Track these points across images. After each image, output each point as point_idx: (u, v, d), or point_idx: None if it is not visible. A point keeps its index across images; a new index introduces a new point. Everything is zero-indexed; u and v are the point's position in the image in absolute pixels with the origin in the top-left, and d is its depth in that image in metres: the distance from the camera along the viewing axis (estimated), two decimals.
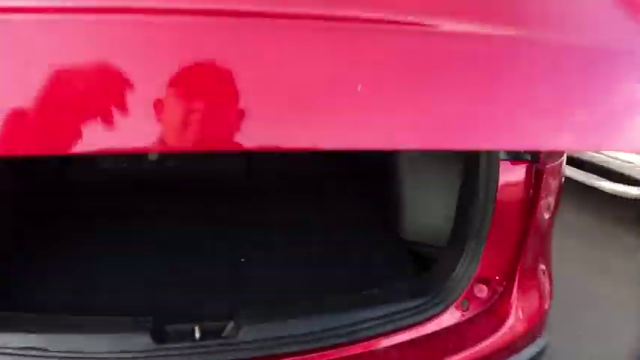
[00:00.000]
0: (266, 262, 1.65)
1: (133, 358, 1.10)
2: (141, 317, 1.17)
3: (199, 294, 1.46)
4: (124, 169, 2.24)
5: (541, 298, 1.40)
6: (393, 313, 1.25)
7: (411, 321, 1.24)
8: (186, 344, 1.14)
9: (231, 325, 1.19)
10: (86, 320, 1.18)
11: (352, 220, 1.99)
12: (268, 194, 2.22)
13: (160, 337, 1.14)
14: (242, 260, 1.66)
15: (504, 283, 1.34)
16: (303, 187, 2.29)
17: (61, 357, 1.09)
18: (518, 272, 1.34)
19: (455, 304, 1.30)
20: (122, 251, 1.67)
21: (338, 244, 1.78)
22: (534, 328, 1.37)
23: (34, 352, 1.09)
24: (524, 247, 1.32)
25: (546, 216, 1.35)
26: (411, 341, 1.24)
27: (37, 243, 1.70)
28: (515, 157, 1.27)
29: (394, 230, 1.84)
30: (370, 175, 2.26)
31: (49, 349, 1.09)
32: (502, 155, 1.27)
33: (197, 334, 1.16)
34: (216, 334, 1.18)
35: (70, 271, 1.56)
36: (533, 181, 1.28)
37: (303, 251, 1.73)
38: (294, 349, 1.16)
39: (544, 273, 1.44)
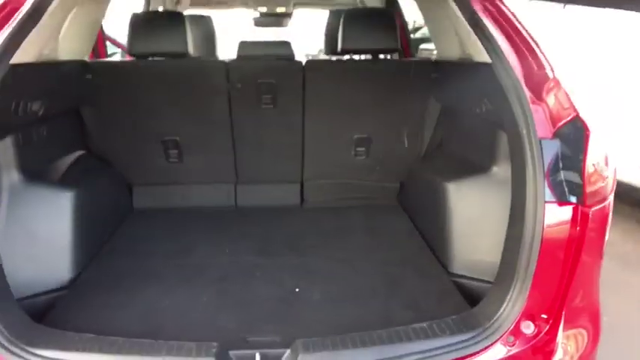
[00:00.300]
0: (319, 293, 1.76)
1: None
2: (206, 343, 1.30)
3: (257, 322, 1.59)
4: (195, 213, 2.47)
5: (588, 337, 1.42)
6: (441, 347, 1.31)
7: (457, 354, 1.30)
8: None
9: (288, 352, 1.29)
10: (159, 344, 1.31)
11: (402, 253, 2.07)
12: (321, 227, 2.35)
13: None
14: (296, 290, 1.77)
15: (551, 320, 1.38)
16: (354, 220, 2.41)
17: None
18: (564, 311, 1.37)
19: (501, 339, 1.34)
20: (186, 283, 1.84)
21: (388, 277, 1.87)
22: None
23: None
24: (570, 286, 1.36)
25: (593, 256, 1.39)
26: None
27: (118, 279, 1.89)
28: (561, 199, 1.33)
29: (443, 264, 1.91)
30: (420, 210, 2.34)
31: None
32: (548, 197, 1.32)
33: None
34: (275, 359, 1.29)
35: (148, 300, 1.74)
36: (579, 223, 1.32)
37: (355, 283, 1.83)
38: None
39: (591, 312, 1.46)
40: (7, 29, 1.47)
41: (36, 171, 1.86)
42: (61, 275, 1.80)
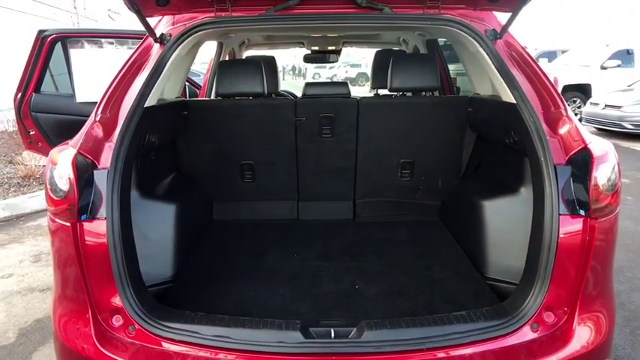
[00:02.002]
0: (374, 289, 2.14)
1: (288, 347, 1.61)
2: (292, 321, 1.69)
3: (326, 309, 1.98)
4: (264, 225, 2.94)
5: (602, 325, 1.72)
6: (476, 329, 1.65)
7: (490, 335, 1.64)
8: (325, 340, 1.64)
9: (355, 330, 1.67)
10: (256, 321, 1.71)
11: (443, 260, 2.43)
12: (371, 238, 2.74)
13: (306, 334, 1.64)
14: (356, 287, 2.16)
15: (568, 311, 1.69)
16: (400, 233, 2.79)
17: (239, 343, 1.62)
18: (579, 303, 1.69)
19: (527, 325, 1.66)
20: (264, 280, 2.27)
21: (431, 279, 2.23)
22: (597, 350, 1.69)
23: (222, 339, 1.63)
24: (583, 283, 1.68)
25: (603, 257, 1.71)
26: (492, 351, 1.63)
27: (210, 276, 2.34)
28: (572, 213, 1.66)
29: (479, 269, 2.25)
30: (459, 224, 2.71)
31: (231, 337, 1.63)
32: (562, 211, 1.66)
33: (332, 335, 1.66)
34: (346, 335, 1.66)
35: (236, 291, 2.17)
36: (588, 232, 1.65)
37: (403, 283, 2.20)
38: (400, 349, 1.61)
39: (604, 304, 1.76)
40: (140, 80, 1.98)
41: (147, 188, 2.34)
42: (166, 271, 2.25)
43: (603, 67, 11.78)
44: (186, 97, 3.54)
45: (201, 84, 4.40)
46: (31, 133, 3.66)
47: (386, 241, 2.71)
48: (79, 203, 1.67)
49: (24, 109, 3.54)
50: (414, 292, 2.11)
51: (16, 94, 3.58)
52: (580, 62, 12.26)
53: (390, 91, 2.82)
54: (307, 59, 4.96)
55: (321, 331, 1.69)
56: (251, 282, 2.24)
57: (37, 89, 3.57)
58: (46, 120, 3.60)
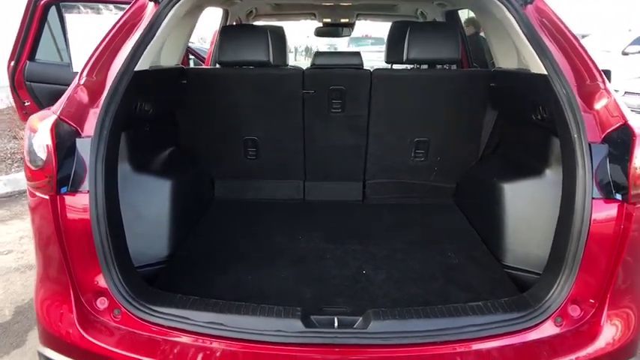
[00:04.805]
0: (382, 275, 1.99)
1: (286, 336, 1.46)
2: (292, 308, 1.54)
3: (331, 295, 1.83)
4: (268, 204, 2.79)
5: (631, 322, 1.56)
6: (494, 322, 1.50)
7: (509, 329, 1.48)
8: (327, 330, 1.49)
9: (360, 319, 1.52)
10: (253, 307, 1.57)
11: (458, 245, 2.27)
12: (381, 221, 2.58)
13: (307, 323, 1.50)
14: (363, 272, 2.00)
15: (596, 305, 1.53)
16: (413, 216, 2.62)
17: (233, 330, 1.48)
18: (609, 296, 1.53)
19: (550, 319, 1.51)
20: (266, 262, 2.12)
21: (445, 265, 2.07)
22: (624, 348, 1.54)
23: (215, 326, 1.49)
24: (615, 274, 1.51)
25: (637, 249, 1.53)
26: (510, 346, 1.48)
27: (208, 256, 2.20)
28: (607, 196, 1.49)
29: (496, 256, 2.09)
30: (475, 208, 2.53)
31: (225, 324, 1.49)
32: (596, 194, 1.49)
33: (335, 324, 1.51)
34: (350, 324, 1.52)
35: (235, 274, 2.02)
36: (624, 218, 1.48)
37: (414, 268, 2.04)
38: (410, 341, 1.46)
39: (634, 299, 1.60)
40: (132, 42, 1.80)
41: (141, 162, 2.18)
42: (161, 251, 2.11)
43: (624, 53, 11.36)
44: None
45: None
46: (27, 104, 3.50)
47: (397, 224, 2.54)
48: (58, 174, 1.51)
49: (18, 78, 3.38)
50: (427, 279, 1.95)
51: (9, 63, 3.41)
52: (600, 47, 11.85)
53: (405, 63, 2.62)
54: (319, 33, 4.75)
55: (324, 320, 1.54)
56: (251, 265, 2.09)
57: (32, 57, 3.40)
58: (42, 90, 3.43)
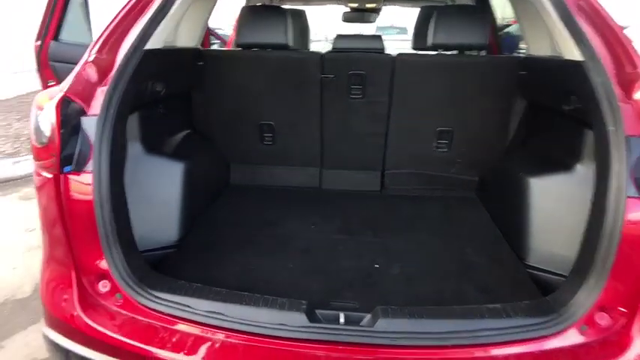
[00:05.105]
0: (396, 269, 1.89)
1: (289, 330, 1.39)
2: (297, 300, 1.47)
3: (339, 289, 1.74)
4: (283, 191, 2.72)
5: None
6: (513, 327, 1.39)
7: (529, 335, 1.37)
8: (332, 326, 1.41)
9: (369, 317, 1.43)
10: (256, 297, 1.50)
11: (478, 242, 2.14)
12: (399, 213, 2.47)
13: (312, 317, 1.42)
14: (376, 266, 1.91)
15: (627, 314, 1.40)
16: (432, 209, 2.51)
17: (233, 321, 1.41)
18: None
19: (574, 327, 1.39)
20: (275, 250, 2.05)
21: (463, 262, 1.95)
22: None
23: (215, 316, 1.43)
24: None
25: None
26: (529, 354, 1.37)
27: (216, 243, 2.15)
28: None
29: (519, 255, 1.96)
30: (499, 203, 2.39)
31: (226, 314, 1.43)
32: (631, 193, 1.35)
33: (341, 320, 1.43)
34: (356, 321, 1.43)
35: (243, 262, 1.96)
36: None
37: (430, 264, 1.94)
38: (420, 343, 1.36)
39: None
40: (144, 20, 1.74)
41: (153, 143, 2.14)
42: (170, 235, 2.07)
43: None
44: None
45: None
46: (51, 84, 3.51)
47: (415, 217, 2.43)
48: (62, 152, 1.48)
49: (43, 58, 3.39)
50: (442, 277, 1.85)
51: (35, 43, 3.43)
52: None
53: (430, 49, 2.49)
54: (347, 18, 4.62)
55: (330, 315, 1.46)
56: (260, 252, 2.03)
57: (56, 37, 3.41)
58: (66, 70, 3.43)
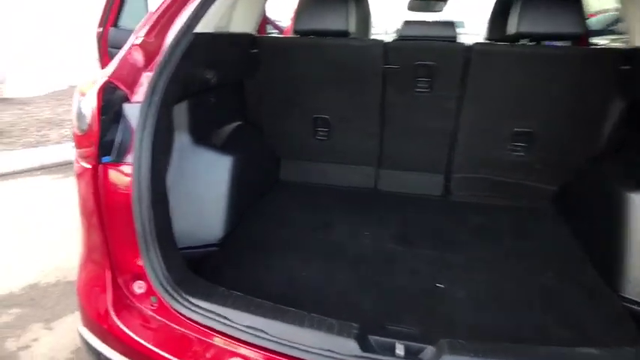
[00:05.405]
0: (462, 292, 1.65)
1: (336, 358, 1.19)
2: (347, 323, 1.27)
3: (395, 310, 1.53)
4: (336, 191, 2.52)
5: None
6: None
7: None
8: (387, 358, 1.19)
9: (431, 349, 1.21)
10: (302, 315, 1.31)
11: (559, 264, 1.85)
12: (464, 223, 2.21)
13: (364, 345, 1.21)
14: (438, 285, 1.68)
15: None
16: (503, 221, 2.23)
17: (275, 341, 1.23)
18: None
19: None
20: (324, 257, 1.86)
21: (541, 288, 1.68)
22: None
23: (253, 332, 1.26)
24: None
25: None
26: None
27: (262, 243, 2.00)
28: None
29: (612, 285, 1.66)
30: (585, 219, 2.06)
31: (267, 331, 1.25)
32: None
33: (398, 351, 1.21)
34: (416, 354, 1.21)
35: (288, 268, 1.79)
36: None
37: (502, 288, 1.68)
38: None
39: None
40: (196, 1, 1.61)
41: (202, 135, 2.02)
42: (214, 233, 1.94)
43: None
44: None
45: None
46: None
47: (483, 229, 2.16)
48: (100, 140, 1.37)
49: (103, 45, 3.39)
50: (518, 305, 1.58)
51: (98, 28, 3.43)
52: None
53: (510, 39, 2.20)
54: (413, 7, 4.35)
55: (385, 343, 1.24)
56: (307, 258, 1.85)
57: (115, 24, 3.39)
58: None
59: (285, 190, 2.56)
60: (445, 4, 4.13)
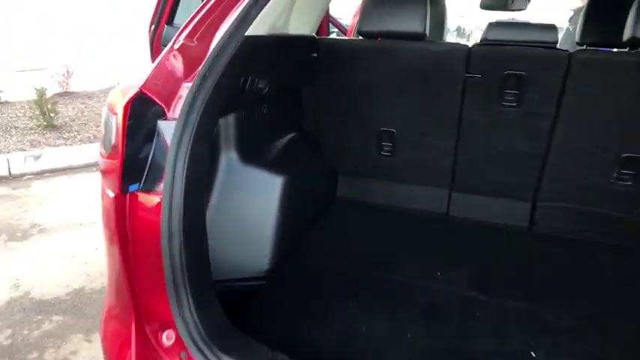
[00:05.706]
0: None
1: None
2: None
3: None
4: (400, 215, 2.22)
5: None
6: None
7: None
8: None
9: None
10: None
11: None
12: (556, 263, 1.84)
13: None
14: (533, 355, 1.34)
15: None
16: (604, 263, 1.84)
17: None
18: None
19: None
20: (387, 306, 1.56)
21: None
22: None
23: None
24: None
25: None
26: None
27: (312, 280, 1.73)
28: None
29: None
30: None
31: None
32: None
33: None
34: None
35: (344, 317, 1.51)
36: None
37: (615, 357, 1.31)
38: None
39: None
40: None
41: (251, 152, 1.77)
42: (261, 264, 1.70)
43: None
44: None
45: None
46: None
47: (579, 272, 1.78)
48: (124, 165, 1.13)
49: (156, 43, 3.25)
50: None
51: (150, 26, 3.29)
52: None
53: (623, 45, 1.81)
54: (486, 4, 3.88)
55: None
56: (368, 305, 1.56)
57: (170, 21, 3.24)
58: None
59: (343, 213, 2.27)
60: (528, 3, 3.65)
